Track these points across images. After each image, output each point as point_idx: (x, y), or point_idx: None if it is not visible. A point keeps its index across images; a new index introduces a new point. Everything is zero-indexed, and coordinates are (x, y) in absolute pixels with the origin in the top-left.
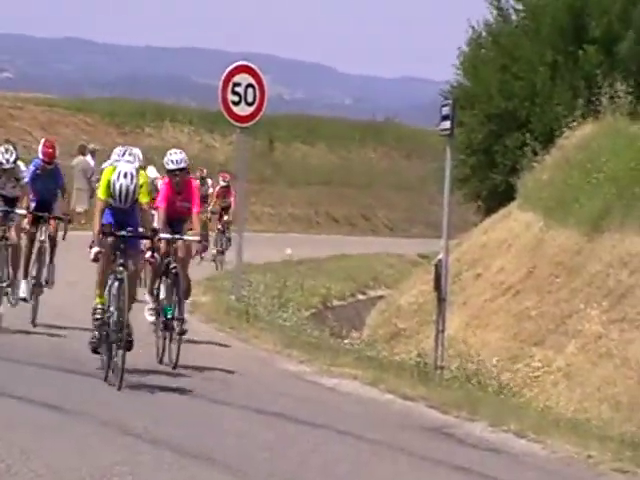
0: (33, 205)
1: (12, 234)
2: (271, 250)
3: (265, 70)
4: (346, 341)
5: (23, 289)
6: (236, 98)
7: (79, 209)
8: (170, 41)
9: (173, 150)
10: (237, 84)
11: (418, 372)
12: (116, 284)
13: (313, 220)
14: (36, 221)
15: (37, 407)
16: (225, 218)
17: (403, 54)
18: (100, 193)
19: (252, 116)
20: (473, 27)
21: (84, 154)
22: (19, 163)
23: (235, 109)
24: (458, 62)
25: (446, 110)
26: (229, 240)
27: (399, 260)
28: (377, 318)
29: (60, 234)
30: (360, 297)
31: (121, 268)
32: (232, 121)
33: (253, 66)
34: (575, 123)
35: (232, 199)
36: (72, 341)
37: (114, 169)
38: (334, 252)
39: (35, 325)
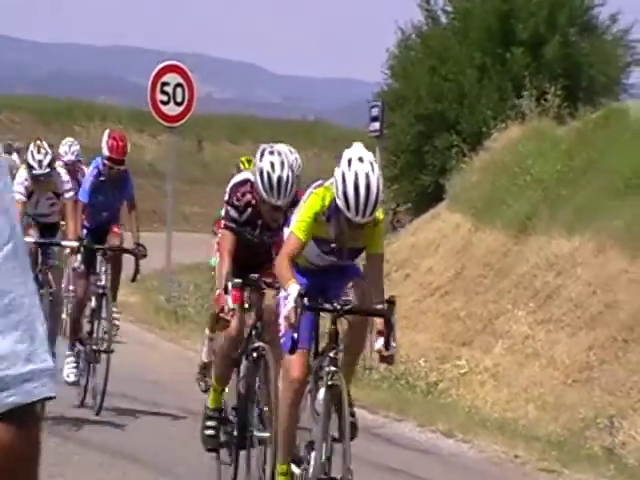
0: (85, 232)
1: (50, 279)
2: (200, 250)
3: (195, 69)
4: None
5: (69, 369)
6: (165, 98)
7: None
8: (101, 39)
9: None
10: (166, 83)
11: None
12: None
13: None
14: (91, 257)
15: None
16: None
17: (333, 55)
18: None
19: (181, 116)
20: (402, 29)
21: (10, 153)
22: (59, 169)
23: (164, 109)
24: (387, 63)
25: (375, 111)
26: None
27: None
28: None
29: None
30: None
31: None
32: (161, 121)
33: (182, 65)
34: (503, 125)
35: None
36: None
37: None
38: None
39: (99, 413)
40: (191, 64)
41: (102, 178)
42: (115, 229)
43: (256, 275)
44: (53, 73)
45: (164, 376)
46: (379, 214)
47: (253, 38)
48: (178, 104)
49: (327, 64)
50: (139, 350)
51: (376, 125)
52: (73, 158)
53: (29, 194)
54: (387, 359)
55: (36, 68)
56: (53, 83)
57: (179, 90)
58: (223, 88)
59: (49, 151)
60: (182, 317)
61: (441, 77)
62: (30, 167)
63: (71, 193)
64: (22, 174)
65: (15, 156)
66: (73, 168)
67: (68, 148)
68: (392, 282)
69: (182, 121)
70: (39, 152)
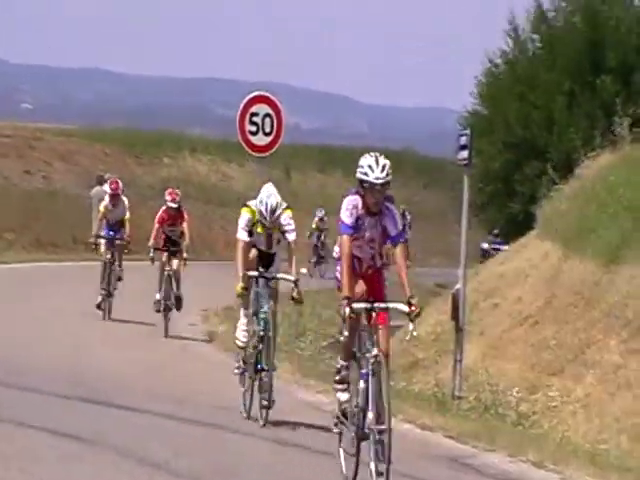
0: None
1: None
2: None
3: (283, 100)
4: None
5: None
6: (254, 128)
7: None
8: (186, 71)
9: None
10: (255, 114)
11: (436, 402)
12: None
13: None
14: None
15: (59, 437)
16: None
17: (420, 83)
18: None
19: (270, 146)
20: (490, 59)
21: (101, 184)
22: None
23: (253, 139)
24: (476, 91)
25: (464, 140)
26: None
27: (417, 290)
28: (395, 348)
29: None
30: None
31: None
32: (250, 151)
33: (271, 96)
34: (593, 153)
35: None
36: (91, 371)
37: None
38: None
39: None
40: (279, 95)
41: None
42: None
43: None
44: (143, 105)
45: (253, 406)
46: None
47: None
48: (267, 134)
49: (415, 93)
50: (228, 378)
51: (464, 154)
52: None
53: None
54: None
55: (127, 100)
56: (143, 115)
57: (267, 120)
58: (311, 119)
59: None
60: None
61: (529, 104)
62: None
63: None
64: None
65: (106, 187)
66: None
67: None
68: (480, 311)
69: (271, 151)
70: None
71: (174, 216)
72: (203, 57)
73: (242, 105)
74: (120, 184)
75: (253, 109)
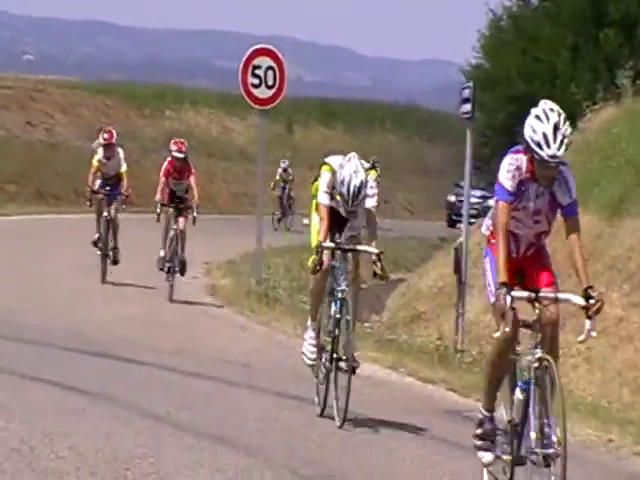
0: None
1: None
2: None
3: (285, 52)
4: (366, 324)
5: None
6: (256, 81)
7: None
8: (190, 24)
9: None
10: (257, 67)
11: (438, 356)
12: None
13: None
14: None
15: (60, 390)
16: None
17: (422, 36)
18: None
19: (272, 99)
20: (492, 10)
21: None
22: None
23: (255, 92)
24: (478, 45)
25: (466, 93)
26: None
27: (419, 243)
28: (397, 301)
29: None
30: (380, 281)
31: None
32: (252, 104)
33: (273, 49)
34: (596, 106)
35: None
36: (94, 325)
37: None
38: None
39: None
40: (281, 47)
41: None
42: None
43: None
44: (147, 58)
45: (254, 359)
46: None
47: (342, 20)
48: (269, 87)
49: (416, 45)
50: (230, 332)
51: (467, 107)
52: None
53: None
54: None
55: (131, 53)
56: (147, 68)
57: (270, 73)
58: (313, 71)
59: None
60: (273, 300)
61: (532, 58)
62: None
63: None
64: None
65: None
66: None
67: None
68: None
69: (273, 104)
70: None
71: (180, 168)
72: (206, 9)
73: (245, 58)
74: (114, 133)
75: (255, 62)
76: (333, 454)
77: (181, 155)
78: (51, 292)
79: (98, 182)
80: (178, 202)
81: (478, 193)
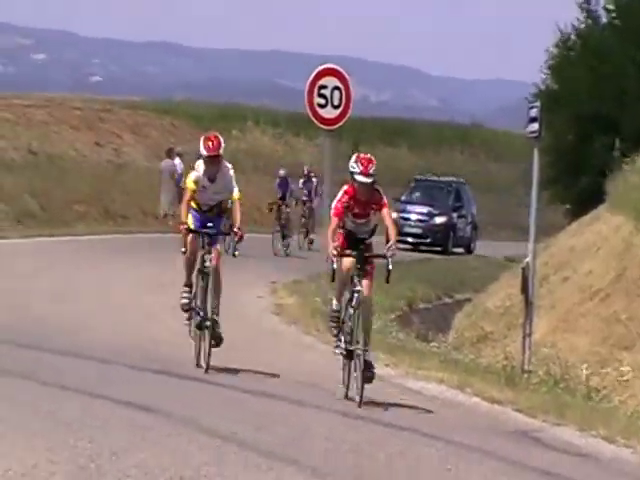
0: None
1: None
2: None
3: (350, 72)
4: (432, 344)
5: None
6: (322, 101)
7: (167, 212)
8: (256, 44)
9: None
10: (323, 87)
11: (505, 376)
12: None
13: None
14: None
15: (128, 408)
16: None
17: (489, 56)
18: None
19: (338, 119)
20: (560, 30)
21: (171, 157)
22: None
23: (321, 112)
24: (545, 64)
25: (534, 112)
26: None
27: (486, 263)
28: (463, 321)
29: None
30: (446, 300)
31: None
32: (318, 124)
33: (339, 69)
34: None
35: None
36: (161, 343)
37: None
38: (419, 256)
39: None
40: (347, 67)
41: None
42: None
43: None
44: (212, 79)
45: (320, 378)
46: None
47: (408, 40)
48: (335, 107)
49: (483, 65)
50: (296, 352)
51: (535, 126)
52: None
53: None
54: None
55: (196, 74)
56: (211, 88)
57: (336, 93)
58: (379, 91)
59: None
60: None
61: (601, 76)
62: None
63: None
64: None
65: (177, 160)
66: None
67: None
68: (550, 285)
69: (339, 124)
70: None
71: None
72: (271, 30)
73: (311, 77)
74: (221, 140)
75: (322, 82)
76: (399, 475)
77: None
78: (120, 310)
79: (193, 216)
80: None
81: (425, 210)
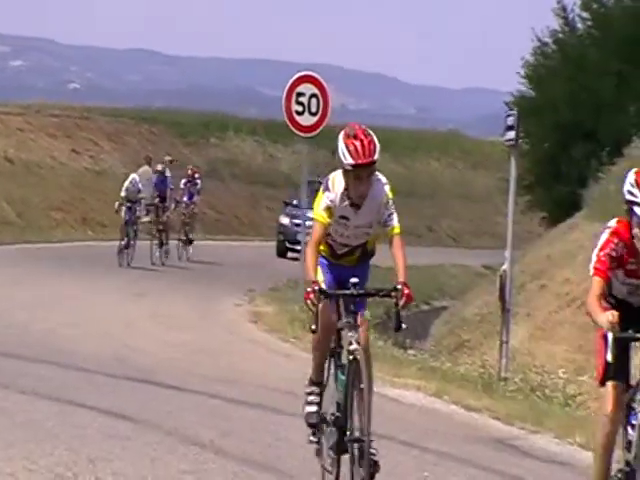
0: None
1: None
2: None
3: (329, 80)
4: (410, 352)
5: None
6: (300, 108)
7: (145, 219)
8: (236, 52)
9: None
10: (301, 94)
11: (482, 383)
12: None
13: None
14: None
15: (106, 416)
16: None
17: (466, 64)
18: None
19: (315, 126)
20: (539, 38)
21: (150, 164)
22: None
23: (299, 119)
24: (522, 72)
25: (511, 120)
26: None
27: (463, 271)
28: (441, 329)
29: None
30: (424, 308)
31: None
32: (295, 131)
33: (317, 76)
34: None
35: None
36: (139, 351)
37: None
38: None
39: None
40: (325, 75)
41: None
42: None
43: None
44: (191, 86)
45: (298, 386)
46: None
47: (386, 49)
48: (313, 114)
49: (460, 74)
50: (274, 359)
51: (511, 134)
52: None
53: None
54: None
55: (175, 81)
56: (191, 96)
57: (314, 100)
58: (358, 99)
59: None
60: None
61: (578, 85)
62: None
63: None
64: None
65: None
66: None
67: None
68: (527, 292)
69: (316, 131)
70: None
71: None
72: (251, 39)
73: (288, 85)
74: (375, 140)
75: (299, 89)
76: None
77: None
78: (99, 319)
79: (323, 266)
80: None
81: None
